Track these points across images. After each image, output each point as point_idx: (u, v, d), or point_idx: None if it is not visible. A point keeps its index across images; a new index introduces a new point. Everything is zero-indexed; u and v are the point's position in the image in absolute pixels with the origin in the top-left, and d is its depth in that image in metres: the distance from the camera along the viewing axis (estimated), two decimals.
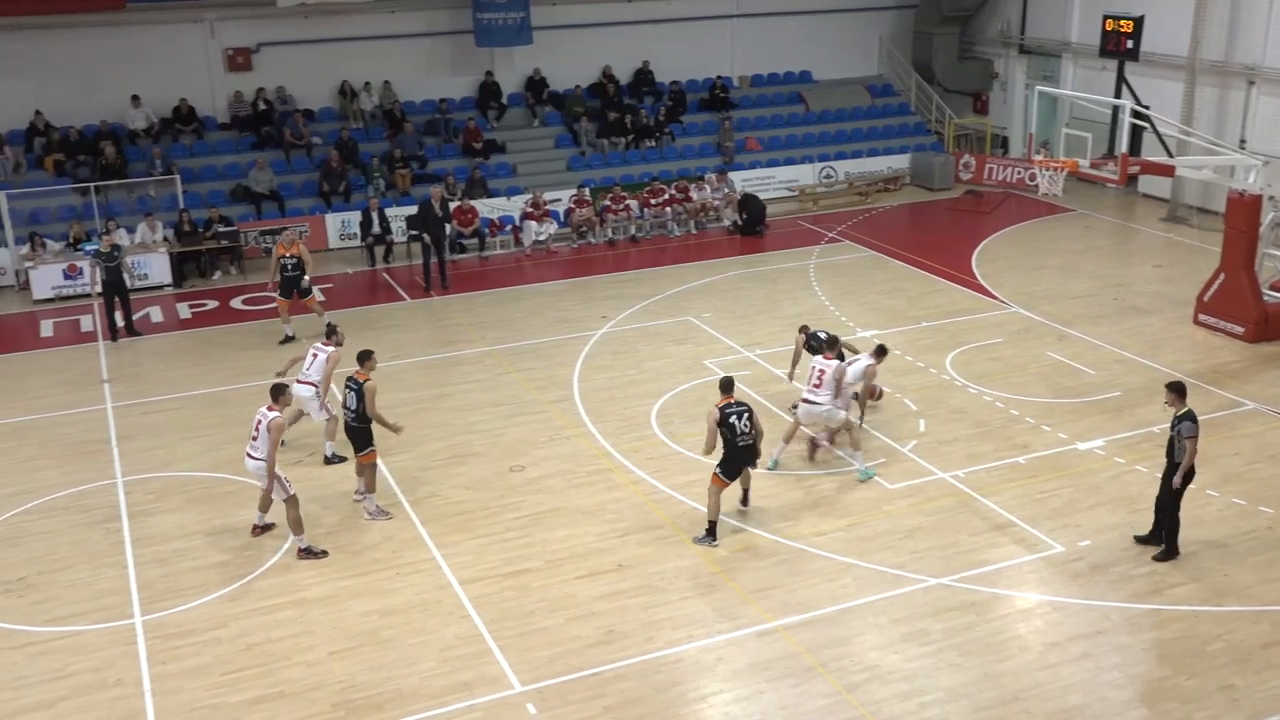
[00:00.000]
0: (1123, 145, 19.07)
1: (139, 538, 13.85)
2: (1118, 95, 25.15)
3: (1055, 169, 19.67)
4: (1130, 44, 26.24)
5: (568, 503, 14.48)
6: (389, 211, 25.41)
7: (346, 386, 14.15)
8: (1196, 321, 20.08)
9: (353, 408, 14.00)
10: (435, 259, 23.27)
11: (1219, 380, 17.80)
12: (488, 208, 26.35)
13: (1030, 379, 17.49)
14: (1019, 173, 30.05)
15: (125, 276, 20.99)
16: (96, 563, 13.33)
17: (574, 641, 11.67)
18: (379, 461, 14.60)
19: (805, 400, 15.06)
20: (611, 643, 11.66)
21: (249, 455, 13.42)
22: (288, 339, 20.09)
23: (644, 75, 31.36)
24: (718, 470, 13.36)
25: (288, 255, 19.87)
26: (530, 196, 26.34)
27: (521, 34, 28.85)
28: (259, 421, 13.21)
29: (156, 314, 22.31)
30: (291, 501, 13.27)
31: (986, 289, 22.00)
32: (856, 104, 33.09)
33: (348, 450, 14.77)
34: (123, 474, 15.54)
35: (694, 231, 27.15)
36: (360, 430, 14.03)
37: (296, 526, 13.31)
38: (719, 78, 31.96)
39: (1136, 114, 20.32)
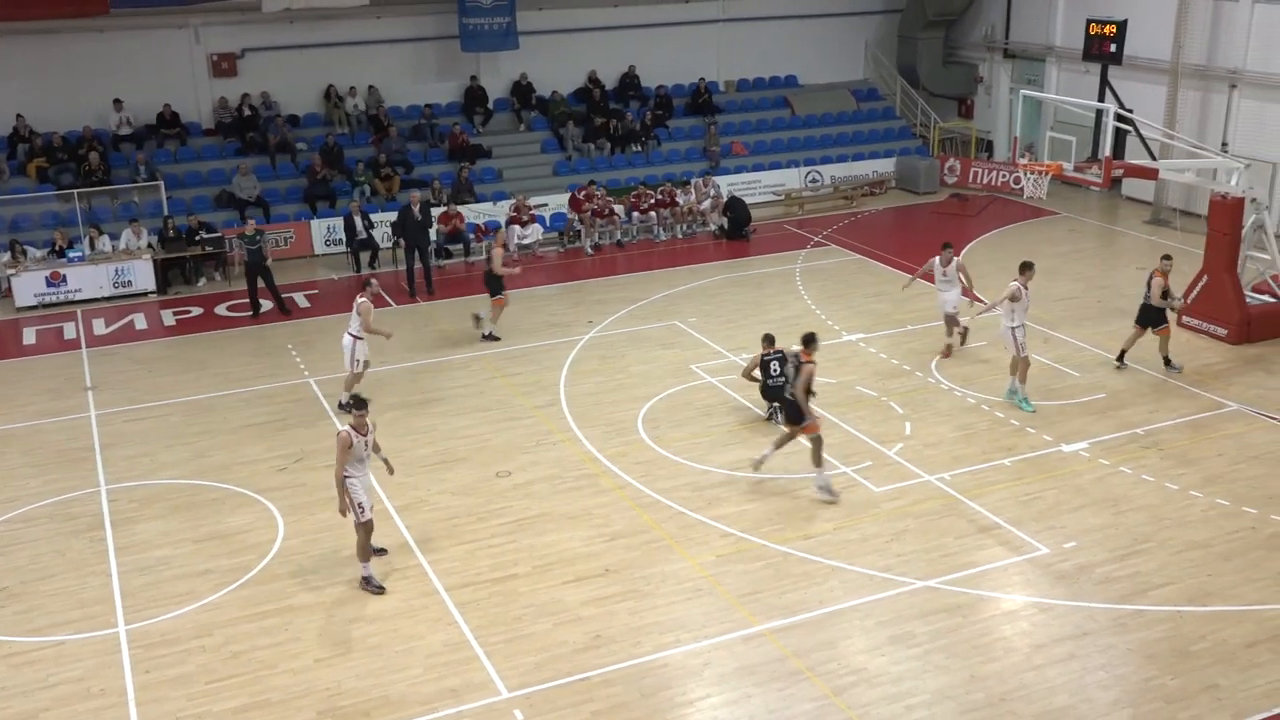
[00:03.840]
0: (1106, 148, 19.14)
1: (123, 546, 13.78)
2: (1101, 99, 25.20)
3: (1040, 172, 19.75)
4: (1113, 48, 26.29)
5: (555, 508, 14.46)
6: (375, 217, 25.36)
7: None
8: (1180, 324, 20.15)
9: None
10: (420, 264, 23.25)
11: (1202, 382, 17.88)
12: (473, 213, 26.32)
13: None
14: (1004, 176, 30.17)
15: (267, 259, 21.95)
16: (80, 571, 13.26)
17: (561, 647, 11.65)
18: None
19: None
20: (599, 647, 11.64)
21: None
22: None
23: (630, 80, 31.40)
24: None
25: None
26: (515, 201, 26.32)
27: (508, 39, 28.87)
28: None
29: (140, 321, 22.22)
30: (362, 528, 12.65)
31: (972, 293, 22.00)
32: (842, 108, 33.18)
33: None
34: (106, 482, 15.47)
35: (680, 236, 27.16)
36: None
37: (362, 553, 12.80)
38: (704, 82, 32.02)
39: (1120, 117, 20.39)
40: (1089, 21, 27.12)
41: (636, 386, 18.14)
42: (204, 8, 26.62)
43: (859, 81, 34.43)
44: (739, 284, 23.44)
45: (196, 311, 22.69)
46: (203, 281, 24.28)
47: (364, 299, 17.15)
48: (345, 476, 12.38)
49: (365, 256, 25.02)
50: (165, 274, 23.92)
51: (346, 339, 17.20)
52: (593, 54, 30.97)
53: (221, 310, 22.67)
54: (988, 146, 33.31)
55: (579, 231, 26.29)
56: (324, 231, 26.05)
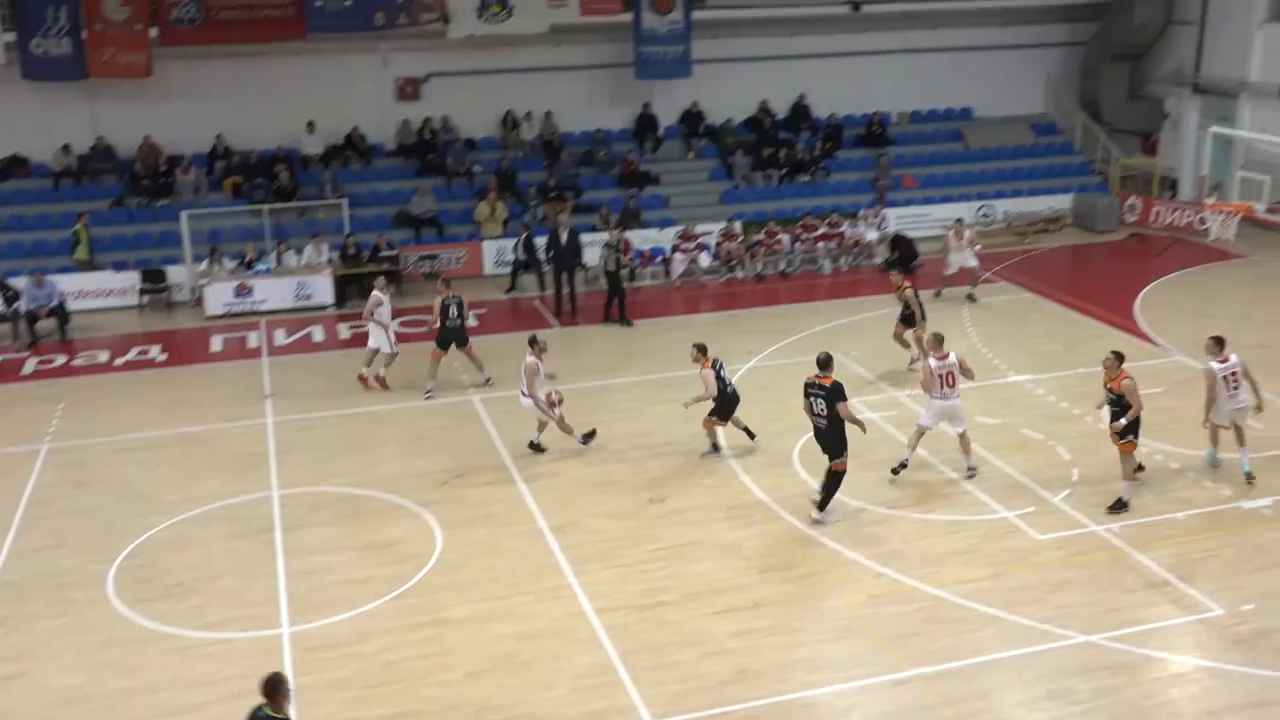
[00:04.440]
0: None
1: (290, 550, 14.31)
2: None
3: (1228, 213, 18.83)
4: None
5: (708, 537, 14.40)
6: (538, 240, 25.77)
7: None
8: None
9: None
10: (567, 288, 23.63)
11: None
12: (640, 239, 26.55)
13: (1193, 431, 16.67)
14: (1188, 216, 28.84)
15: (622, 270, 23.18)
16: (249, 572, 13.81)
17: (706, 678, 11.56)
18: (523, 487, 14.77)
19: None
20: (744, 681, 11.50)
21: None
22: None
23: (801, 109, 31.28)
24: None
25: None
26: (681, 229, 26.45)
27: (681, 67, 29.10)
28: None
29: (318, 333, 23.14)
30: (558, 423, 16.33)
31: (1149, 336, 21.14)
32: (1019, 142, 32.35)
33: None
34: (279, 487, 16.10)
35: (845, 269, 26.84)
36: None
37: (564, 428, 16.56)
38: (877, 113, 31.63)
39: None
40: None
41: (794, 419, 17.85)
42: (393, 34, 27.66)
43: (1038, 115, 33.50)
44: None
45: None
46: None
47: (530, 358, 16.60)
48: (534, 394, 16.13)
49: (530, 279, 25.43)
50: (344, 289, 24.84)
51: (523, 400, 16.82)
52: (765, 83, 30.96)
53: (395, 326, 23.34)
54: (1172, 185, 31.92)
55: (734, 263, 26.29)
56: (494, 253, 26.66)
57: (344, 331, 23.24)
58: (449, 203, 27.88)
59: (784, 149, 30.07)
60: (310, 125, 28.03)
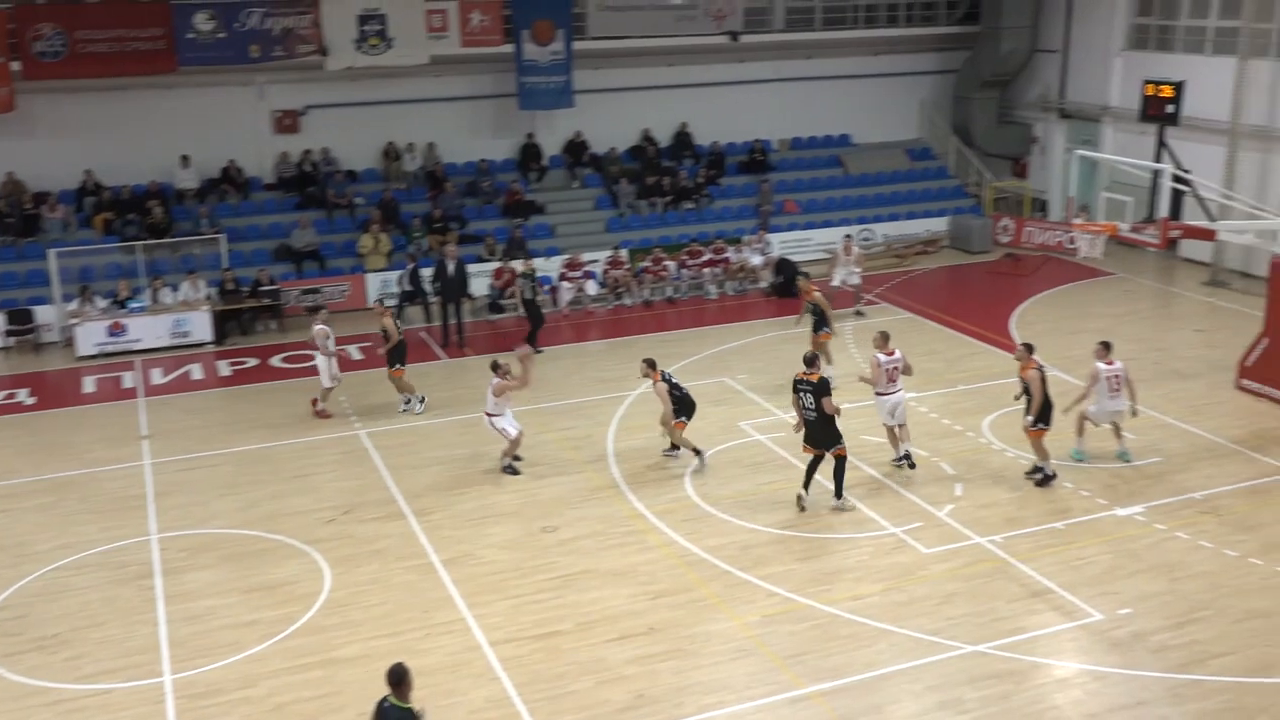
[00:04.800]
0: (1163, 209, 18.97)
1: (171, 595, 13.89)
2: (1158, 159, 24.97)
3: (1095, 233, 19.57)
4: (1170, 109, 26.09)
5: (600, 564, 14.39)
6: (425, 272, 25.61)
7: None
8: (1239, 387, 19.78)
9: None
10: (454, 319, 23.55)
11: (1262, 446, 17.47)
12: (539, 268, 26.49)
13: (1069, 443, 17.24)
14: (1058, 236, 29.91)
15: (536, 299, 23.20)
16: (128, 620, 13.36)
17: (603, 705, 11.53)
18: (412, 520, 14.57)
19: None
20: (641, 707, 11.50)
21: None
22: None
23: (683, 137, 31.64)
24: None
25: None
26: (568, 257, 26.50)
27: (564, 97, 29.23)
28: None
29: (197, 371, 22.57)
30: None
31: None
32: (895, 167, 33.18)
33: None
34: (158, 530, 15.63)
35: (731, 293, 27.19)
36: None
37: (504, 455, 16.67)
38: (758, 140, 32.18)
39: (1177, 178, 20.21)
40: (1146, 83, 26.95)
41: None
42: (269, 66, 27.27)
43: (913, 141, 34.44)
44: (790, 340, 23.29)
45: (252, 362, 23.01)
46: (260, 330, 24.63)
47: (496, 379, 16.83)
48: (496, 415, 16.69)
49: (416, 310, 25.20)
50: (222, 325, 24.30)
51: (485, 420, 17.14)
52: (647, 112, 31.27)
53: (277, 361, 22.97)
54: (1042, 206, 33.10)
55: (621, 290, 26.46)
56: (379, 285, 26.35)
57: (224, 369, 22.71)
58: (331, 235, 27.50)
59: (668, 177, 30.39)
60: (184, 159, 27.42)
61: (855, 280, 24.60)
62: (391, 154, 29.23)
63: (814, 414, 15.19)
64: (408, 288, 25.08)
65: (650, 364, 17.20)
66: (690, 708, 11.47)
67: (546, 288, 26.42)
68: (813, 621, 12.95)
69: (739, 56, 31.81)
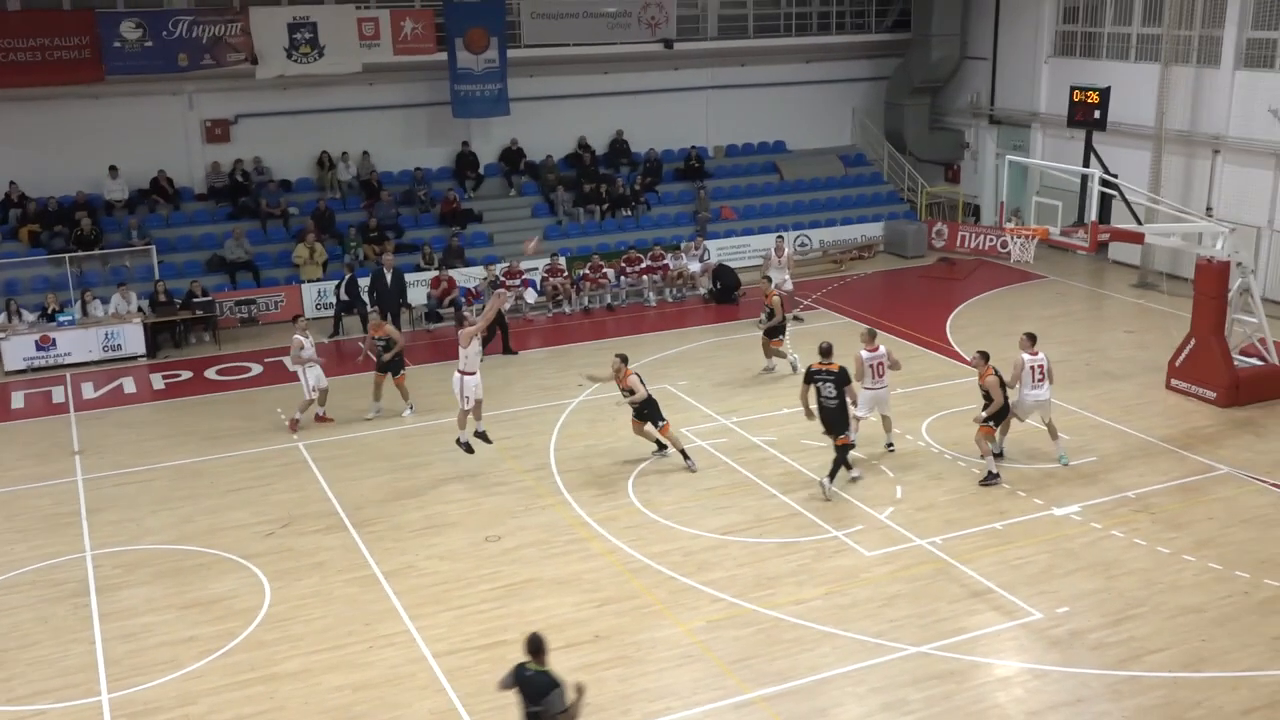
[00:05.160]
0: (1092, 213, 19.31)
1: (106, 613, 13.62)
2: (1086, 164, 25.51)
3: (1026, 237, 19.91)
4: (1097, 114, 26.72)
5: (544, 573, 14.35)
6: (362, 281, 25.38)
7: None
8: (1169, 386, 20.22)
9: None
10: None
11: (1192, 445, 17.89)
12: (464, 277, 26.41)
13: (1006, 445, 17.52)
14: (991, 240, 30.40)
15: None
16: (62, 639, 13.08)
17: None
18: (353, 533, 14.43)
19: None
20: (588, 716, 11.42)
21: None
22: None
23: (620, 145, 31.71)
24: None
25: (377, 337, 19.80)
26: (506, 265, 26.42)
27: (499, 105, 29.17)
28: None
29: (129, 385, 22.16)
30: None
31: (961, 355, 22.11)
32: (830, 173, 33.52)
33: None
34: (92, 547, 15.32)
35: (670, 300, 27.27)
36: None
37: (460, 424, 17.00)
38: (694, 148, 32.33)
39: (1105, 182, 20.60)
40: (1072, 89, 27.58)
41: (627, 451, 18.08)
42: (198, 75, 26.88)
43: (847, 147, 34.81)
44: (729, 347, 23.50)
45: (186, 375, 22.65)
46: (194, 342, 24.26)
47: (464, 329, 17.44)
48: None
49: (353, 321, 24.97)
50: (155, 338, 23.90)
51: (457, 378, 17.28)
52: (583, 119, 31.31)
53: (211, 374, 22.63)
54: (974, 211, 33.62)
55: (560, 298, 26.44)
56: (315, 295, 26.09)
57: (158, 382, 22.32)
58: (265, 246, 27.17)
59: (605, 184, 30.43)
60: (113, 170, 26.94)
61: (788, 286, 24.79)
62: (325, 163, 28.95)
63: (835, 401, 16.10)
64: (344, 298, 24.84)
65: (624, 359, 17.43)
66: (637, 715, 11.48)
67: (484, 296, 26.33)
68: (757, 626, 13.02)
69: (673, 64, 31.98)
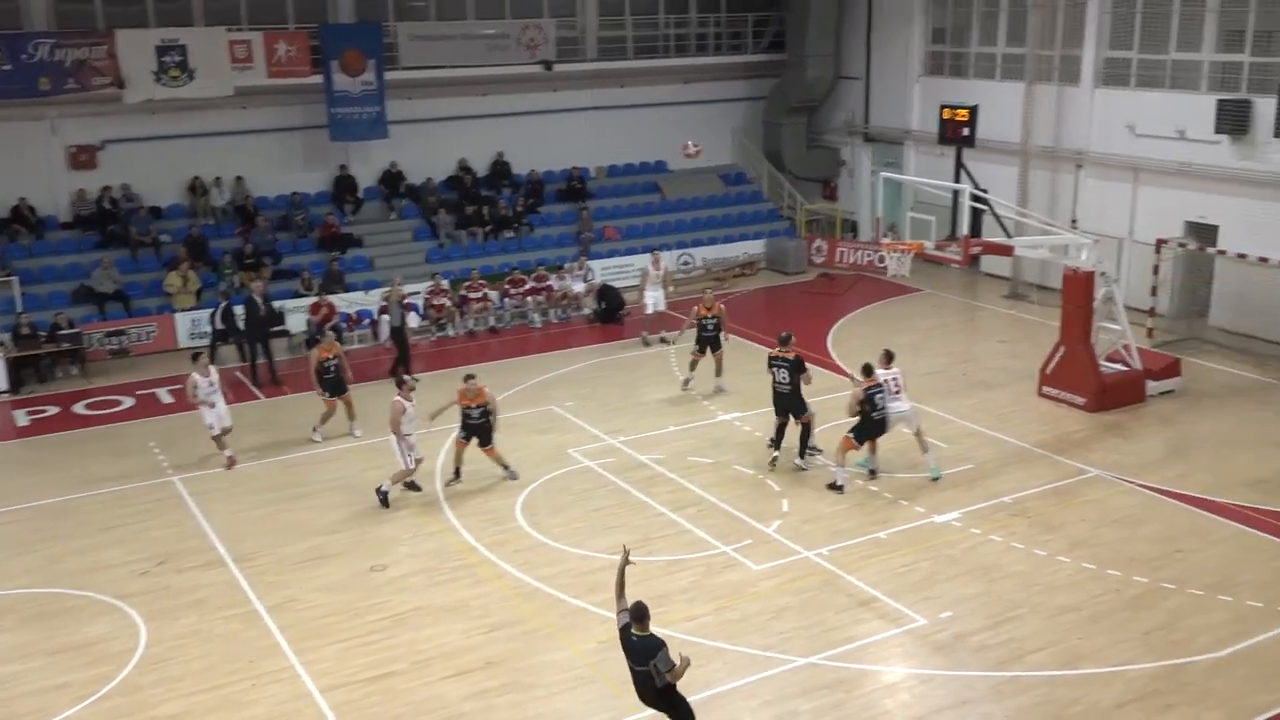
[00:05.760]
0: (964, 227, 19.90)
1: None
2: (957, 180, 26.26)
3: (902, 251, 20.40)
4: (966, 131, 27.53)
5: (432, 600, 14.17)
6: (237, 309, 24.79)
7: None
8: (1041, 394, 20.87)
9: None
10: (263, 358, 23.09)
11: (1064, 449, 18.48)
12: (345, 302, 26.01)
13: (888, 455, 17.88)
14: (869, 255, 31.05)
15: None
16: None
17: None
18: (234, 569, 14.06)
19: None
20: None
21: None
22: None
23: (501, 167, 31.61)
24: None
25: (330, 357, 19.68)
26: (387, 289, 26.04)
27: (377, 128, 28.84)
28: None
29: None
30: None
31: (842, 368, 22.51)
32: (711, 192, 33.88)
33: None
34: None
35: (554, 320, 27.24)
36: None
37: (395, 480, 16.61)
38: (576, 168, 32.40)
39: (976, 197, 21.28)
40: (943, 107, 28.39)
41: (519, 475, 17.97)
42: (62, 100, 26.01)
43: (727, 166, 35.25)
44: (614, 367, 23.56)
45: (53, 411, 21.82)
46: (60, 376, 23.42)
47: (397, 398, 16.89)
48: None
49: (229, 350, 24.37)
50: (18, 373, 23.00)
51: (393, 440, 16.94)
52: (463, 141, 31.14)
53: (80, 409, 21.85)
54: (853, 227, 34.30)
55: (443, 321, 26.22)
56: (189, 325, 25.41)
57: (21, 419, 21.47)
58: (135, 275, 26.38)
59: (487, 206, 30.30)
60: None
61: (663, 305, 24.81)
62: (198, 189, 28.27)
63: (787, 387, 17.55)
64: (219, 326, 24.23)
65: (468, 377, 17.55)
66: None
67: (366, 321, 26.00)
68: None
69: (553, 85, 32.02)
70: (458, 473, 17.56)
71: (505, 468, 17.71)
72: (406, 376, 17.73)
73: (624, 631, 10.14)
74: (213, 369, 18.77)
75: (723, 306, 21.92)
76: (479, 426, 17.37)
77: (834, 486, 16.96)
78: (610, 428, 19.85)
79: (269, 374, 23.03)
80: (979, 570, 14.58)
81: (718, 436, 19.40)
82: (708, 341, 21.56)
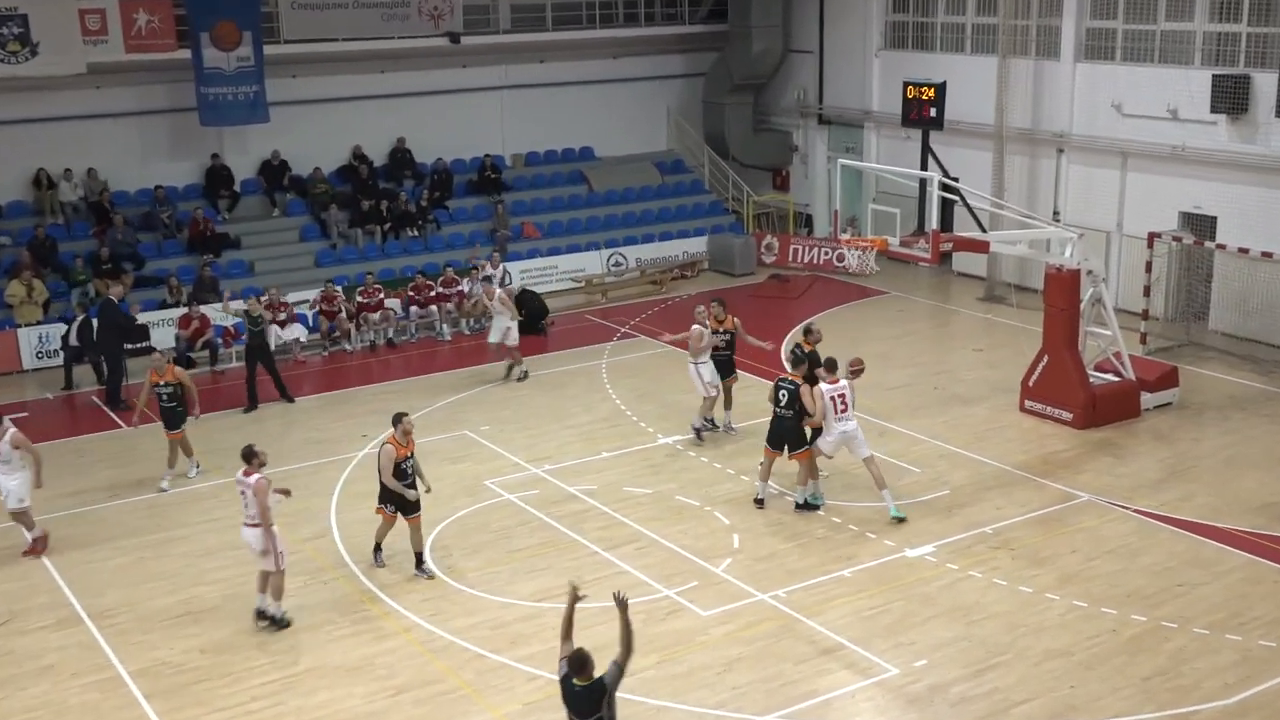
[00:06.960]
0: (933, 221, 20.04)
1: None
2: (924, 167, 26.61)
3: (864, 248, 20.54)
4: (933, 112, 27.88)
5: (329, 659, 14.00)
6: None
7: None
8: (1023, 409, 21.13)
9: None
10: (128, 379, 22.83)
11: (1051, 472, 18.73)
12: (219, 314, 25.66)
13: (852, 481, 18.00)
14: (826, 253, 31.32)
15: (270, 341, 22.99)
16: None
17: None
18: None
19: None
20: None
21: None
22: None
23: (402, 155, 31.47)
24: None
25: (162, 383, 18.95)
26: (268, 297, 25.77)
27: (256, 111, 28.61)
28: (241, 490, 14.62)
29: None
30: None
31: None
32: (645, 182, 34.02)
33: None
34: None
35: (467, 332, 27.12)
36: None
37: (278, 594, 14.69)
38: (489, 156, 32.33)
39: (945, 186, 21.47)
40: (906, 84, 28.74)
41: (423, 509, 17.81)
42: None
43: (663, 153, 35.42)
44: (537, 385, 23.50)
45: None
46: None
47: (255, 477, 14.72)
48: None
49: (83, 372, 23.97)
50: None
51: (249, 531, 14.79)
52: (357, 126, 30.98)
53: None
54: (807, 221, 34.60)
55: (337, 334, 26.00)
56: (34, 342, 24.93)
57: None
58: None
59: (386, 201, 30.12)
60: None
61: (512, 340, 23.52)
62: (44, 182, 27.83)
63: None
64: (75, 344, 23.78)
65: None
66: None
67: (244, 336, 25.66)
68: None
69: (461, 61, 32.00)
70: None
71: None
72: (258, 450, 15.00)
73: (564, 682, 10.12)
74: (10, 425, 16.81)
75: (737, 321, 20.63)
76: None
77: (805, 506, 17.17)
78: (534, 455, 19.77)
79: (111, 394, 22.66)
80: (957, 611, 14.70)
81: (657, 463, 19.40)
82: (720, 366, 20.24)
